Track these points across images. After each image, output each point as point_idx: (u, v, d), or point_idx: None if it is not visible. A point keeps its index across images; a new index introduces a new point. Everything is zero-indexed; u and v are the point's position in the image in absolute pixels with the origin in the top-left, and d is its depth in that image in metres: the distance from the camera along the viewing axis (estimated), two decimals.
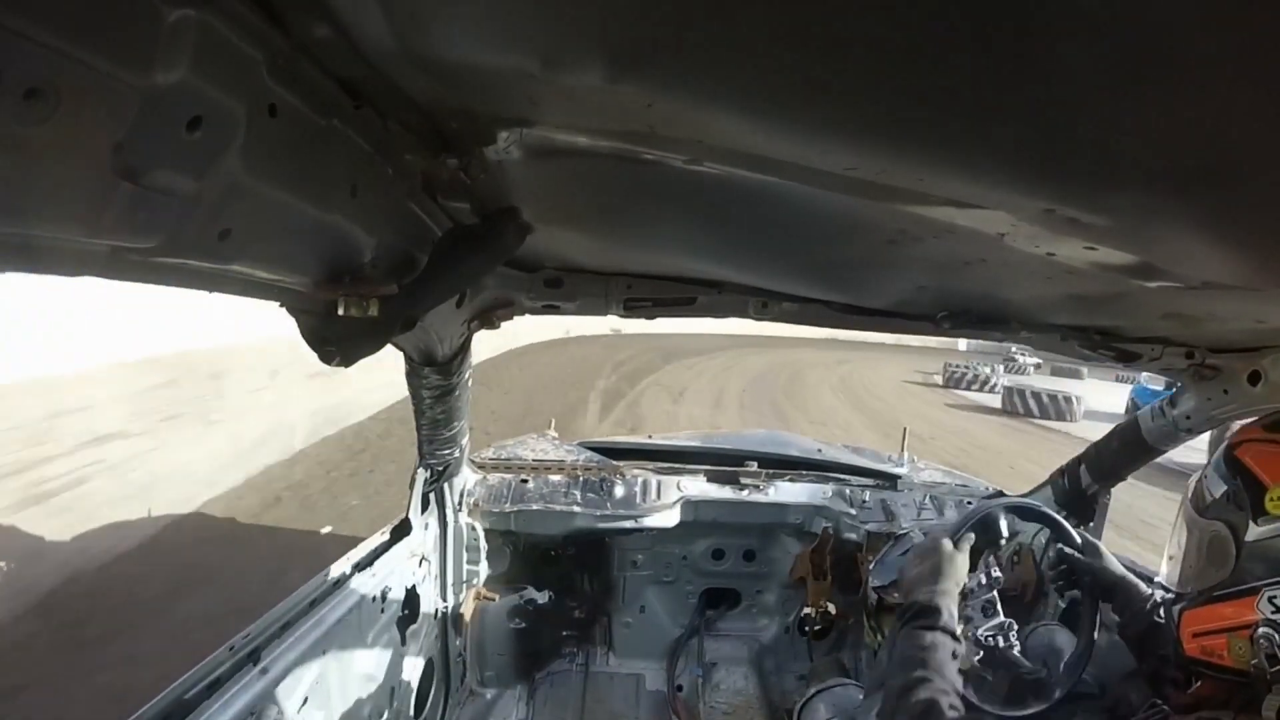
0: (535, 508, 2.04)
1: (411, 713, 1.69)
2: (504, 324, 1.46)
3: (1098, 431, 2.02)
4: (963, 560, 1.21)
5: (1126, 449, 1.77)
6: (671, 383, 13.04)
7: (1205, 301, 0.96)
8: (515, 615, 2.12)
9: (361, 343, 0.85)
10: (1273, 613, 0.79)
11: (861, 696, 1.51)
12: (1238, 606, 0.83)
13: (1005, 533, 1.57)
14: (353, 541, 1.58)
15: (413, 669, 1.69)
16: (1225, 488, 0.90)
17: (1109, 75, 0.40)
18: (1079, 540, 1.55)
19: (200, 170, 0.48)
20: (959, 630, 1.22)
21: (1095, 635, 1.47)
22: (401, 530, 1.66)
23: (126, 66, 0.39)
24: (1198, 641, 0.91)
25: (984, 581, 1.51)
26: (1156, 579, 1.43)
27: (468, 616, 2.04)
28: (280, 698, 1.08)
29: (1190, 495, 0.98)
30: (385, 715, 1.51)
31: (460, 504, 1.94)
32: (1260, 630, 0.79)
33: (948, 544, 1.22)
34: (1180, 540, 0.98)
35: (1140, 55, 0.38)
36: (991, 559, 1.54)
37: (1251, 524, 0.84)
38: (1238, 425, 1.03)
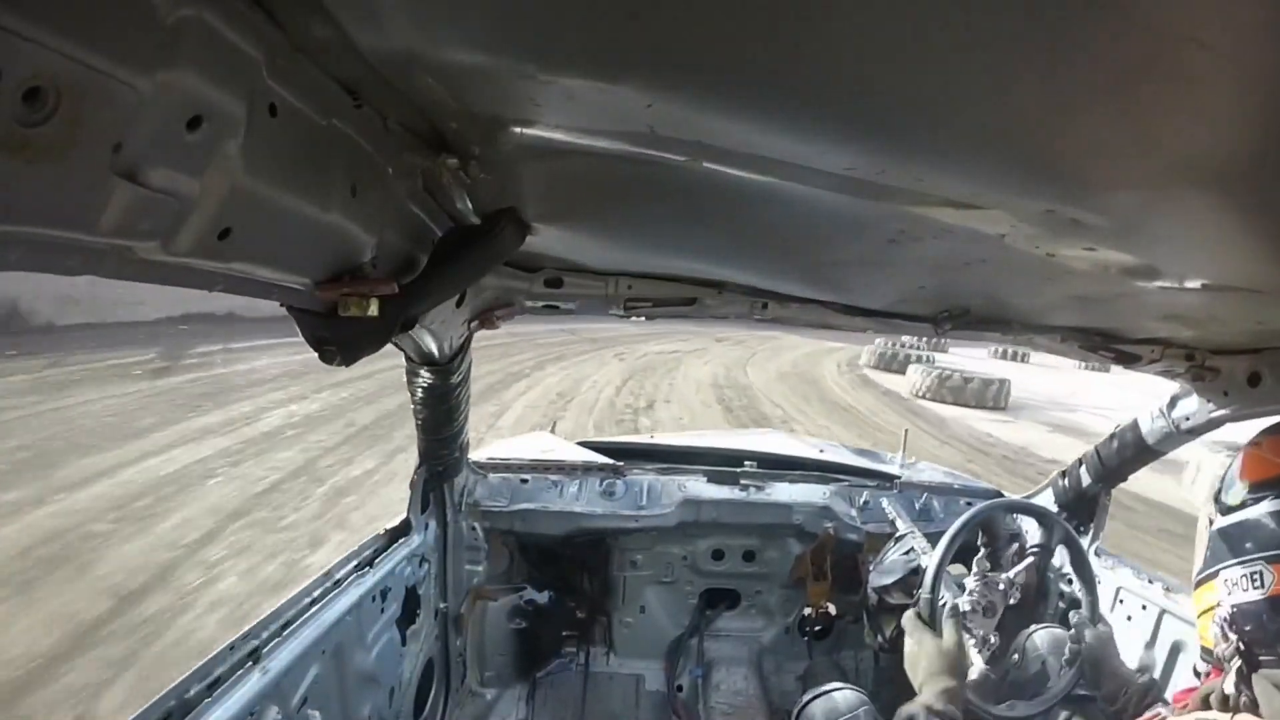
0: (535, 508, 2.03)
1: (411, 713, 1.69)
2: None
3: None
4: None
5: (1127, 450, 1.77)
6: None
7: (1205, 303, 0.96)
8: (515, 615, 2.12)
9: (361, 342, 0.85)
10: (1227, 595, 0.80)
11: (859, 700, 1.52)
12: (1206, 591, 0.86)
13: (1011, 530, 1.57)
14: None
15: (413, 669, 1.69)
16: (1215, 487, 0.92)
17: (1109, 76, 0.40)
18: (1082, 545, 1.55)
19: (200, 170, 0.48)
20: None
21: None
22: (401, 530, 1.67)
23: (126, 66, 0.39)
24: (1199, 628, 0.93)
25: (982, 585, 1.51)
26: (1153, 580, 1.44)
27: (468, 616, 2.04)
28: (280, 698, 1.08)
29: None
30: (385, 715, 1.51)
31: (460, 504, 1.94)
32: (1217, 611, 0.82)
33: (936, 638, 1.27)
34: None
35: (1140, 56, 0.38)
36: (983, 561, 1.54)
37: (1217, 514, 0.87)
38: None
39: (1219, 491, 0.89)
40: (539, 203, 0.94)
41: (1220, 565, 0.83)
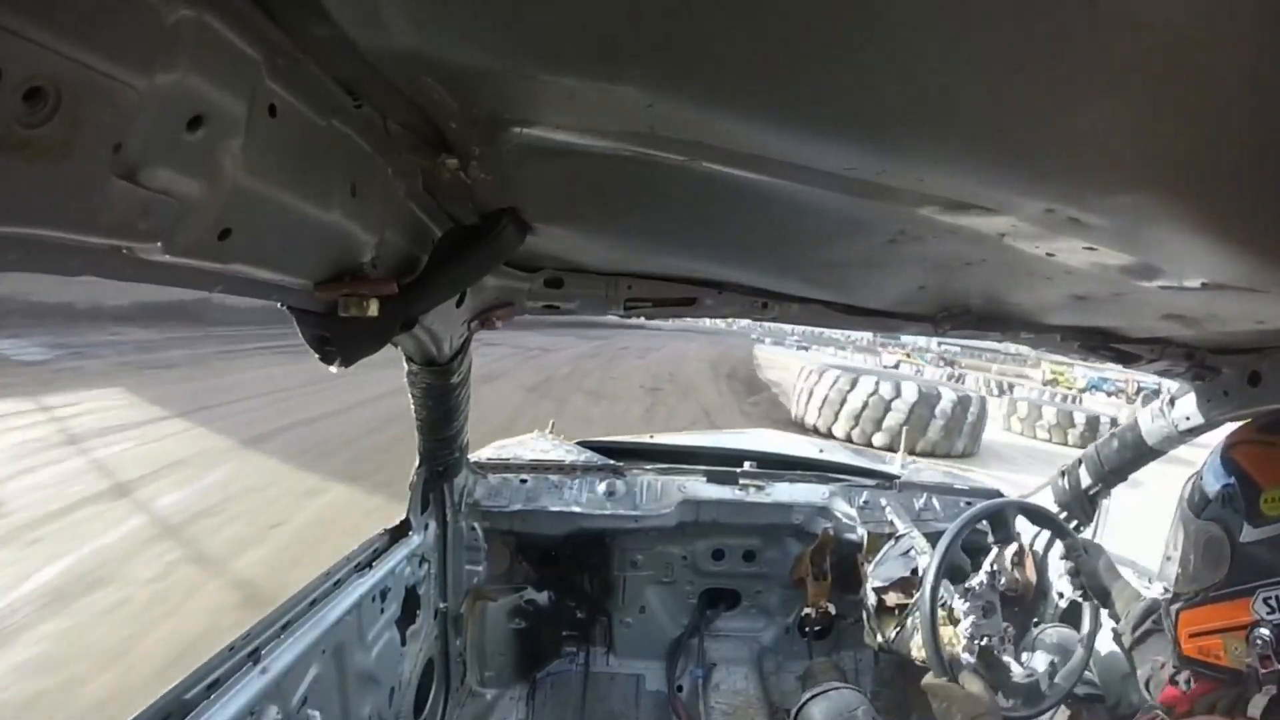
0: (535, 508, 2.03)
1: (411, 713, 1.69)
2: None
3: None
4: None
5: (1126, 450, 1.77)
6: None
7: (1205, 302, 0.96)
8: (515, 615, 2.12)
9: (361, 343, 0.85)
10: (1268, 614, 0.79)
11: (857, 700, 1.51)
12: (1233, 608, 0.84)
13: (1014, 530, 1.57)
14: None
15: (413, 669, 1.69)
16: (1219, 489, 0.90)
17: (1107, 76, 0.40)
18: (1079, 541, 1.55)
19: (200, 170, 0.48)
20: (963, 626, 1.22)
21: (1094, 639, 1.47)
22: (401, 530, 1.66)
23: (127, 66, 0.39)
24: (1195, 642, 0.91)
25: (985, 581, 1.51)
26: (1154, 579, 1.44)
27: (468, 616, 2.04)
28: (280, 698, 1.08)
29: (1186, 496, 0.98)
30: (385, 715, 1.51)
31: (460, 504, 1.94)
32: (1256, 631, 0.80)
33: (960, 689, 1.25)
34: (1178, 540, 0.98)
35: (1139, 55, 0.38)
36: (994, 561, 1.55)
37: (1246, 525, 0.84)
38: (1234, 426, 1.03)
39: (1231, 499, 0.86)
40: (539, 203, 0.94)
41: (1258, 583, 0.81)
